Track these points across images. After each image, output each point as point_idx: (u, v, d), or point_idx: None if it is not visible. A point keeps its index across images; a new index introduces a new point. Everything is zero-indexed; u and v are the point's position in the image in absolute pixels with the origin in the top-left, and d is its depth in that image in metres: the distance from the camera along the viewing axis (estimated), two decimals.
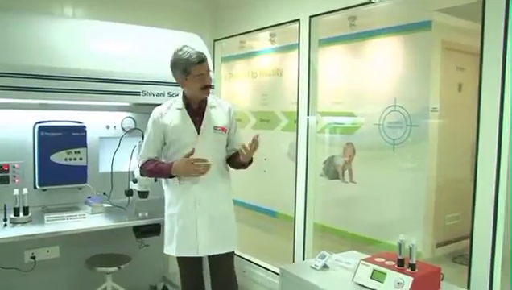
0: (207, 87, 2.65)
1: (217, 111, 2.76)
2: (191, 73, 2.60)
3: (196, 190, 2.65)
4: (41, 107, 3.16)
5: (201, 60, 2.61)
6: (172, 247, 2.72)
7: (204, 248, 2.68)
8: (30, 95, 2.80)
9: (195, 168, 2.56)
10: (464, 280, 2.37)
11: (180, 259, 2.80)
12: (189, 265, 2.81)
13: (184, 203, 2.67)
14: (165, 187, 2.79)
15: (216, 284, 2.85)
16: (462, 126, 2.92)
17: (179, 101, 2.73)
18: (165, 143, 2.73)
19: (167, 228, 2.79)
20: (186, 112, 2.69)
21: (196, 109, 2.71)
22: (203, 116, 2.70)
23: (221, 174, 2.76)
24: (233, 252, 2.86)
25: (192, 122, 2.67)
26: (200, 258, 2.81)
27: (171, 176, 2.66)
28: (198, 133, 2.66)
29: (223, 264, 2.80)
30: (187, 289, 2.89)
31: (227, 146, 2.81)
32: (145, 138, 2.79)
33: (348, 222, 3.95)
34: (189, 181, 2.64)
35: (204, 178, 2.63)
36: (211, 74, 2.74)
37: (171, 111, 2.71)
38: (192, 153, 2.57)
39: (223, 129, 2.72)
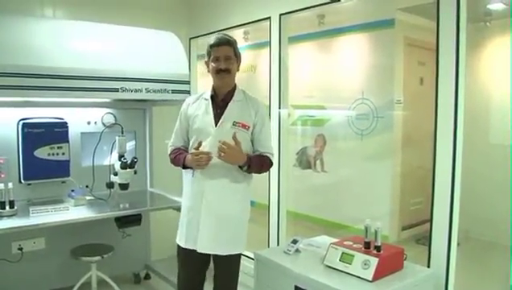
0: (220, 71, 2.49)
1: (243, 106, 2.57)
2: (210, 56, 2.53)
3: (207, 188, 2.50)
4: (24, 104, 3.20)
5: (218, 43, 2.50)
6: (181, 238, 2.60)
7: (204, 245, 2.50)
8: (13, 93, 2.81)
9: (196, 161, 2.43)
10: (426, 260, 2.54)
11: (180, 253, 2.64)
12: (187, 262, 2.63)
13: (193, 197, 2.55)
14: (183, 178, 2.68)
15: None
16: (424, 117, 3.02)
17: (207, 92, 2.61)
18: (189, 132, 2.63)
19: (181, 219, 2.65)
20: (210, 103, 2.55)
21: (220, 102, 2.56)
22: (225, 109, 2.54)
23: (239, 173, 2.52)
24: (239, 259, 2.66)
25: (212, 113, 2.53)
26: (200, 261, 2.60)
27: (186, 167, 2.56)
28: (216, 126, 2.49)
29: (223, 269, 2.61)
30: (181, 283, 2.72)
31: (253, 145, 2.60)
32: (175, 127, 2.71)
33: (320, 209, 4.10)
34: (202, 177, 2.50)
35: (218, 176, 2.49)
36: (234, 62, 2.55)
37: (198, 101, 2.61)
38: (199, 146, 2.44)
39: (244, 126, 2.51)
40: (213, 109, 2.54)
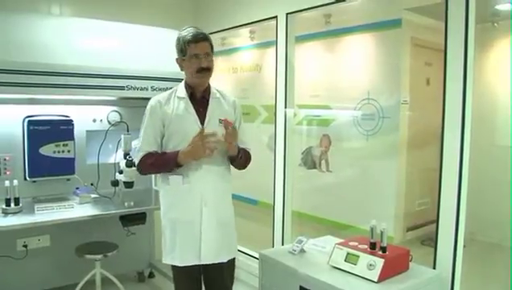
0: (202, 70, 2.31)
1: (222, 103, 2.46)
2: (186, 53, 2.32)
3: (204, 190, 2.34)
4: (30, 102, 3.23)
5: (197, 38, 2.29)
6: (175, 256, 2.37)
7: (209, 255, 2.34)
8: (19, 90, 2.84)
9: (205, 145, 2.24)
10: (432, 261, 2.53)
11: (180, 273, 2.43)
12: (189, 280, 2.47)
13: (189, 205, 2.33)
14: (163, 188, 2.44)
15: None
16: (430, 118, 3.01)
17: (180, 90, 2.42)
18: (164, 135, 2.39)
19: (167, 235, 2.40)
20: (189, 101, 2.37)
21: (199, 99, 2.40)
22: (207, 107, 2.39)
23: (227, 172, 2.47)
24: (234, 261, 2.55)
25: (195, 112, 2.36)
26: (198, 272, 2.46)
27: (178, 166, 2.32)
28: (202, 125, 2.34)
29: (222, 275, 2.50)
30: None
31: None
32: (142, 132, 2.43)
33: (325, 209, 4.08)
34: (197, 182, 2.33)
35: (212, 177, 2.36)
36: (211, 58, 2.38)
37: (172, 100, 2.39)
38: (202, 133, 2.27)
39: (229, 122, 2.38)
40: (194, 108, 2.39)
